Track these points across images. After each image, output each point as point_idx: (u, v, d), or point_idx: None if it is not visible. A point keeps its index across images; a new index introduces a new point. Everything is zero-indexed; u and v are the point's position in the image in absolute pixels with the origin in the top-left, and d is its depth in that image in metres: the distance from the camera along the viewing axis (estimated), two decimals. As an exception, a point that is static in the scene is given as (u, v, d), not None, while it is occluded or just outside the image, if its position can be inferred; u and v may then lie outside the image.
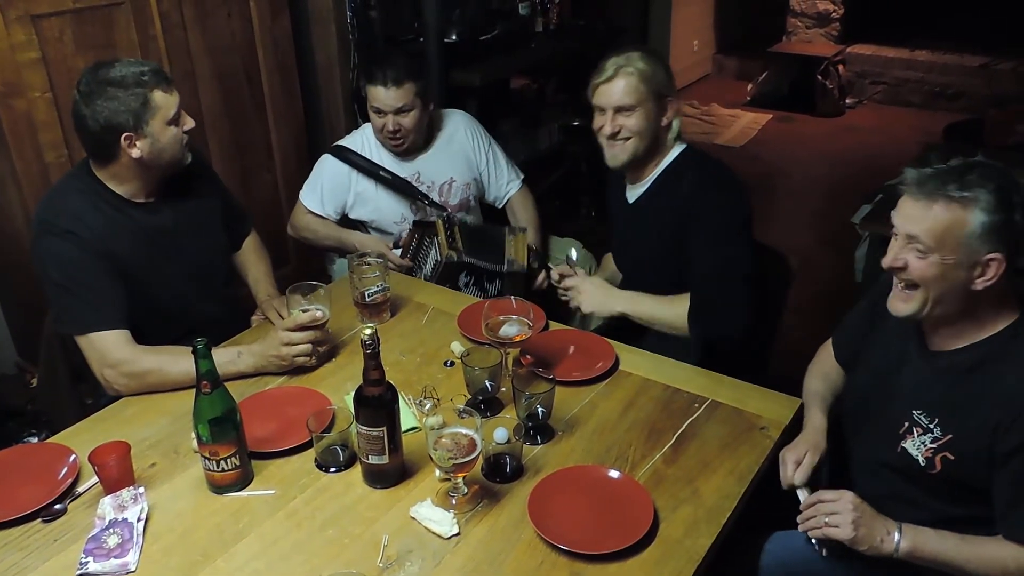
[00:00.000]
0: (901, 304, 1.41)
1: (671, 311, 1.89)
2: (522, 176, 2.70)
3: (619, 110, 1.90)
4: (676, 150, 1.97)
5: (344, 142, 2.52)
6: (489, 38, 3.69)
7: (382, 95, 2.32)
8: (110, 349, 1.72)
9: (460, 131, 2.57)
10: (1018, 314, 1.39)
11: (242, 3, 2.91)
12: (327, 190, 2.49)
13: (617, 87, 1.89)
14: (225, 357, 1.73)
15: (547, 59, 4.14)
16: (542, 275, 2.37)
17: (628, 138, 1.92)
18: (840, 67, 6.13)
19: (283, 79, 3.12)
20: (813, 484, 1.55)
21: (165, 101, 1.75)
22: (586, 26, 4.34)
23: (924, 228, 1.34)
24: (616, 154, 1.95)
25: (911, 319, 1.42)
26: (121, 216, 1.82)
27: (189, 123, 1.82)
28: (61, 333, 1.83)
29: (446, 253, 2.26)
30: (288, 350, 1.74)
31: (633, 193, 2.04)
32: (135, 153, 1.74)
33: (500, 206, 2.67)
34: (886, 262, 1.40)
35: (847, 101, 6.25)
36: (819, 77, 5.98)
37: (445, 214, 2.37)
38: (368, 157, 2.47)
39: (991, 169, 1.34)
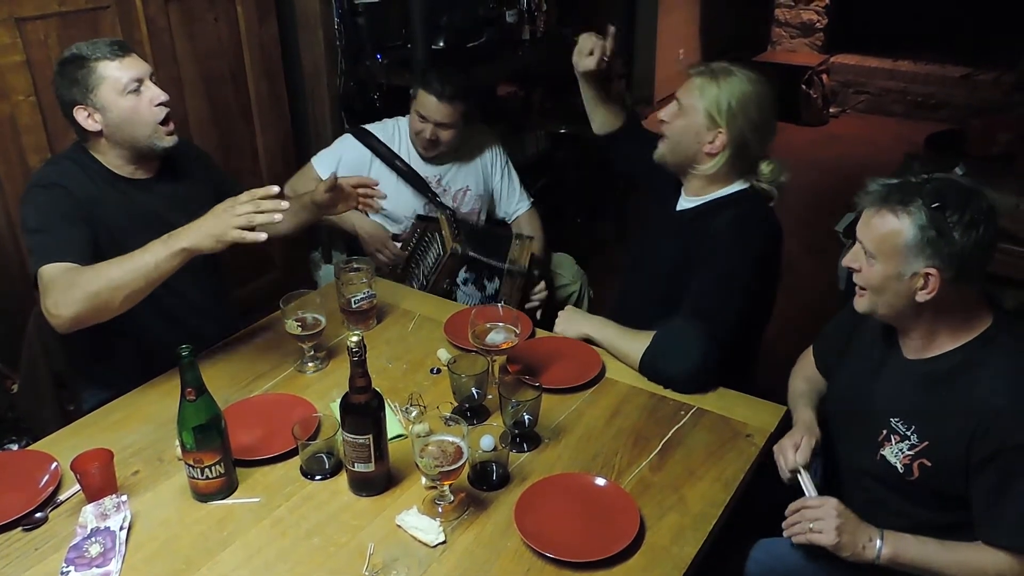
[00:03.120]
0: (857, 300, 1.48)
1: (629, 346, 1.79)
2: (531, 200, 2.76)
3: (676, 99, 1.83)
4: (736, 186, 1.85)
5: (370, 127, 2.56)
6: (476, 45, 3.69)
7: (432, 105, 2.37)
8: (53, 274, 1.62)
9: (484, 145, 2.65)
10: (991, 321, 1.41)
11: (229, 8, 2.90)
12: (345, 163, 2.51)
13: (688, 80, 1.82)
14: (155, 242, 1.58)
15: (534, 66, 4.15)
16: (541, 286, 2.38)
17: (663, 136, 1.85)
18: (824, 77, 6.19)
19: (269, 84, 3.11)
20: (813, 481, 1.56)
21: (115, 71, 1.74)
22: (572, 34, 4.35)
23: (869, 236, 1.40)
24: (657, 148, 1.88)
25: (873, 316, 1.47)
26: (112, 189, 1.82)
27: (159, 96, 1.79)
28: (32, 273, 1.72)
29: (451, 246, 2.28)
30: (230, 218, 1.53)
31: (684, 203, 1.92)
32: (93, 126, 1.76)
33: (509, 221, 2.72)
34: (844, 261, 1.47)
35: (831, 110, 6.30)
36: (803, 86, 6.03)
37: (452, 213, 2.40)
38: (393, 148, 2.51)
39: (947, 187, 1.35)
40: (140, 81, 1.77)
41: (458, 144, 2.53)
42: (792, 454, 1.55)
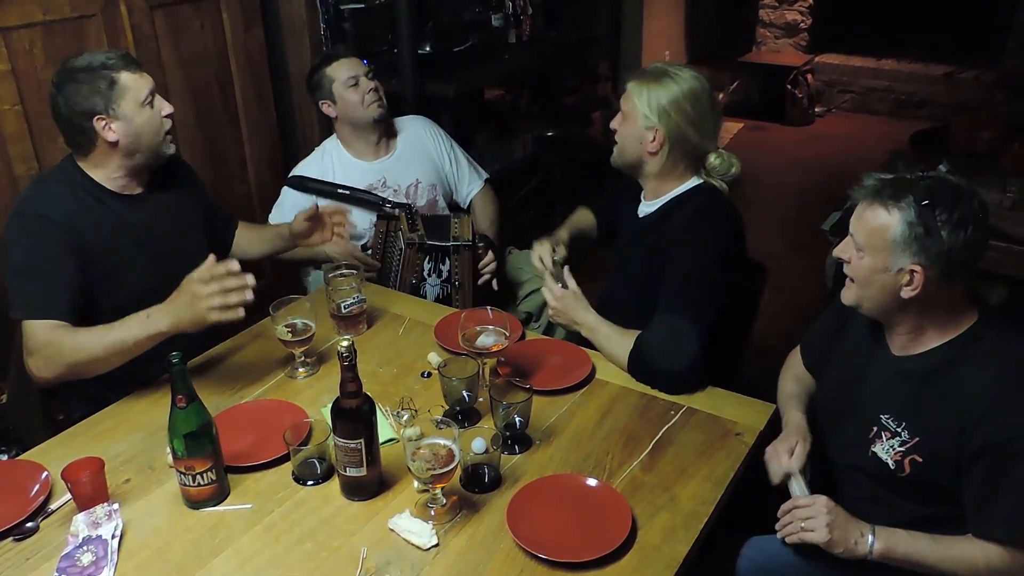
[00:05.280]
0: (845, 292, 1.50)
1: (619, 346, 1.79)
2: (484, 176, 2.76)
3: (620, 107, 1.88)
4: (690, 183, 1.88)
5: (301, 170, 2.55)
6: (463, 49, 3.70)
7: (352, 64, 2.45)
8: (39, 334, 1.66)
9: (421, 133, 2.65)
10: (977, 318, 1.42)
11: (214, 14, 2.90)
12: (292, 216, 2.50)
13: (627, 89, 1.87)
14: (134, 321, 1.63)
15: (520, 70, 4.17)
16: (490, 256, 2.42)
17: (616, 143, 1.91)
18: (809, 76, 6.23)
19: (256, 90, 3.11)
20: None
21: (134, 83, 1.77)
22: (559, 37, 4.38)
23: (860, 229, 1.42)
24: (612, 154, 1.94)
25: (858, 309, 1.49)
26: (100, 205, 1.82)
27: (167, 108, 1.83)
28: (13, 319, 1.76)
29: (407, 237, 2.29)
30: (202, 303, 1.56)
31: (644, 208, 1.96)
32: (111, 136, 1.76)
33: (465, 206, 2.73)
34: (835, 252, 1.49)
35: (816, 110, 6.34)
36: (788, 86, 6.07)
37: (408, 208, 2.43)
38: (330, 176, 2.50)
39: (940, 186, 1.35)
40: (153, 94, 1.82)
41: (387, 136, 2.55)
42: (787, 458, 1.56)
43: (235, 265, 1.58)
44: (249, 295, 1.57)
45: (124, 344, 1.62)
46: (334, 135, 2.58)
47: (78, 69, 1.75)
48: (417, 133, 2.64)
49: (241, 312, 1.58)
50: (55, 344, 1.66)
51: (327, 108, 2.50)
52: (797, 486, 1.53)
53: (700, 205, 1.85)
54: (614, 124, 1.91)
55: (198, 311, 1.56)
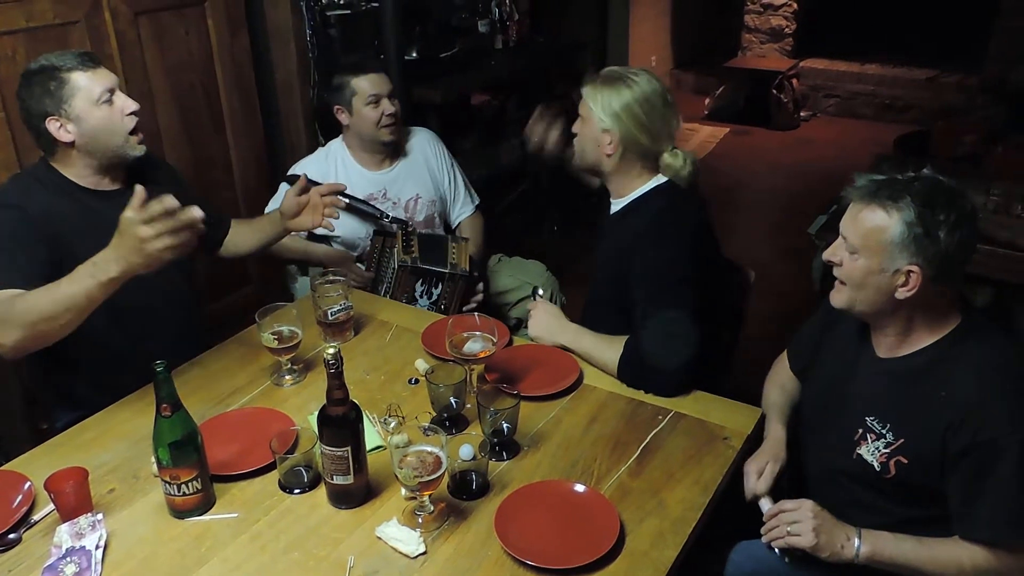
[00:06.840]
0: (835, 295, 1.50)
1: (605, 354, 1.80)
2: (477, 201, 2.75)
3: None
4: (652, 183, 1.88)
5: (302, 167, 2.53)
6: (449, 55, 3.71)
7: (379, 81, 2.44)
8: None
9: (426, 148, 2.64)
10: (961, 318, 1.43)
11: (200, 21, 2.89)
12: None
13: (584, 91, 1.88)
14: (81, 271, 1.52)
15: (507, 75, 4.17)
16: (480, 286, 2.43)
17: (576, 145, 1.93)
18: (794, 81, 6.27)
19: (242, 97, 3.10)
20: (775, 494, 1.58)
21: (86, 81, 1.75)
22: (545, 43, 4.39)
23: (854, 230, 1.42)
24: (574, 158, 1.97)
25: (849, 312, 1.49)
26: (73, 201, 1.80)
27: (130, 105, 1.80)
28: None
29: (400, 259, 2.29)
30: (148, 246, 1.46)
31: (613, 207, 1.98)
32: (66, 137, 1.75)
33: (454, 227, 2.72)
34: (825, 255, 1.49)
35: (801, 114, 6.39)
36: (774, 91, 6.11)
37: (405, 226, 2.42)
38: (332, 178, 2.47)
39: (935, 187, 1.37)
40: (112, 92, 1.78)
41: (400, 148, 2.54)
42: (755, 480, 1.58)
43: (171, 202, 1.46)
44: (198, 225, 1.49)
45: (75, 298, 1.51)
46: (341, 137, 2.57)
47: (31, 72, 1.74)
48: (423, 147, 2.63)
49: (194, 241, 1.52)
50: (9, 306, 1.57)
51: (341, 115, 2.48)
52: (767, 507, 1.54)
53: (660, 207, 1.85)
54: (575, 128, 1.93)
55: (150, 255, 1.47)
